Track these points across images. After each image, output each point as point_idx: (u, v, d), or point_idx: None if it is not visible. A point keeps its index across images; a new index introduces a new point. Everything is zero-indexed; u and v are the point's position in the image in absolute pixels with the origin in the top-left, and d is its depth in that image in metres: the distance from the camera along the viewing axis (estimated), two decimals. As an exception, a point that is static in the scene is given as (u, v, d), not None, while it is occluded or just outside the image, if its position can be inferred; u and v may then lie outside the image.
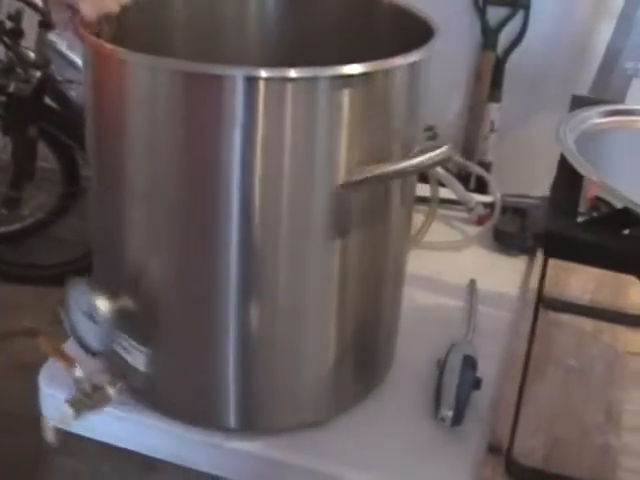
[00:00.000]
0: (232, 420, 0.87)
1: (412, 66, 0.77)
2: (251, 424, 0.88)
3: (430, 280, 1.15)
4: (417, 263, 1.15)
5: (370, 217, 0.81)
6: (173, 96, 0.73)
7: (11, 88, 1.98)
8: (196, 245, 0.78)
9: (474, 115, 2.12)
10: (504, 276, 1.18)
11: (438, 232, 1.25)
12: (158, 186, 0.77)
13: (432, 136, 1.60)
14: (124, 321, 0.83)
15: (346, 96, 0.73)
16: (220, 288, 0.79)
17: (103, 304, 0.82)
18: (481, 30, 2.09)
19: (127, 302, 0.83)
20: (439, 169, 1.30)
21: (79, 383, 0.87)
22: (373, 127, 0.76)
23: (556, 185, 0.80)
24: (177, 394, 0.88)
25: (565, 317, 1.09)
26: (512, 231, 1.25)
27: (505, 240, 1.24)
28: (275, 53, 0.98)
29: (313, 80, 0.72)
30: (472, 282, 1.14)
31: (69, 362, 0.88)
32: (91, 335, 0.83)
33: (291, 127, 0.72)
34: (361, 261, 0.83)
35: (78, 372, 0.87)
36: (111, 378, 0.88)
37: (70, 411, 0.85)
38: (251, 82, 0.70)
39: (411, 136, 0.82)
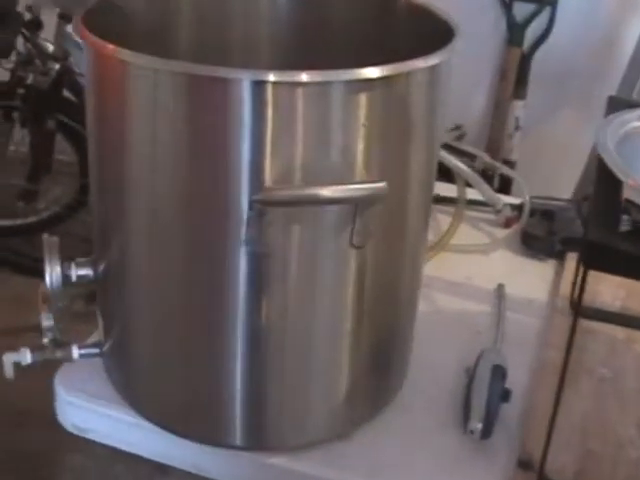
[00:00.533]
0: (238, 439, 0.83)
1: (433, 68, 0.72)
2: (259, 443, 0.85)
3: (457, 284, 1.12)
4: (444, 266, 1.13)
5: (386, 226, 0.77)
6: (176, 99, 0.69)
7: (29, 80, 1.98)
8: (203, 250, 0.74)
9: (499, 113, 2.08)
10: (532, 281, 1.15)
11: (465, 234, 1.22)
12: (160, 190, 0.73)
13: (460, 135, 1.57)
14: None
15: (362, 101, 0.69)
16: (226, 298, 0.75)
17: (55, 272, 0.82)
18: (507, 26, 2.06)
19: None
20: (466, 168, 1.27)
21: (45, 332, 0.85)
22: (391, 133, 0.72)
23: (595, 191, 0.76)
24: (181, 410, 0.85)
25: (596, 325, 1.06)
26: (540, 234, 1.22)
27: (533, 244, 1.21)
28: (286, 52, 0.94)
29: (327, 85, 0.67)
30: (500, 287, 1.11)
31: (47, 309, 0.86)
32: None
33: (302, 134, 0.68)
34: (377, 269, 0.79)
35: (47, 321, 0.85)
36: (82, 342, 0.87)
37: (28, 356, 0.85)
38: (259, 86, 0.65)
39: (432, 140, 0.78)
